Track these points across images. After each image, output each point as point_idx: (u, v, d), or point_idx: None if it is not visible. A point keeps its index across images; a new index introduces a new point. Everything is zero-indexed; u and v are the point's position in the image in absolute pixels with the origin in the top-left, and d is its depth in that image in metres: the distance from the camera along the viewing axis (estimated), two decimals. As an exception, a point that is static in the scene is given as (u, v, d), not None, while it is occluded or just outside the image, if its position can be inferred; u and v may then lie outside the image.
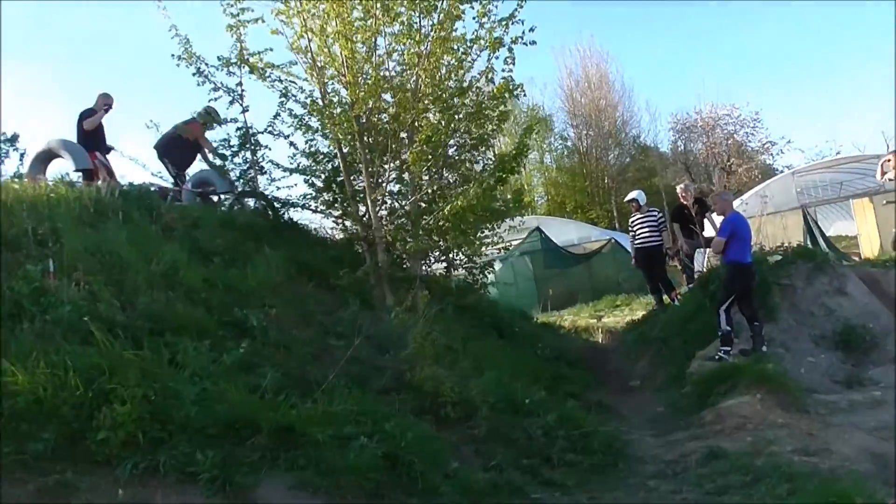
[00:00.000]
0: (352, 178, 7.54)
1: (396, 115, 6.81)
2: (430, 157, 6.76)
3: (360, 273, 6.83)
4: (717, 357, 7.40)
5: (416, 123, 6.90)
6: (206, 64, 8.48)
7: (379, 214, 7.15)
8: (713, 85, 67.69)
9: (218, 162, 9.09)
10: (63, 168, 7.91)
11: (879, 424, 5.77)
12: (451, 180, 7.99)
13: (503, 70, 7.30)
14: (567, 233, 20.77)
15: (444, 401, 4.98)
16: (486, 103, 7.34)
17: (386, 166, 7.05)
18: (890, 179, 11.16)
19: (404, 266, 7.28)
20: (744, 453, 5.01)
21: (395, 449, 3.97)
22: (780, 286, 8.49)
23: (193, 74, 8.52)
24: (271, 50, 8.16)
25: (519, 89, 7.26)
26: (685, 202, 10.71)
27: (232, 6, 8.06)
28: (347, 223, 8.04)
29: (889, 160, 10.98)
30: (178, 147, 8.88)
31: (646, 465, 5.28)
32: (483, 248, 8.81)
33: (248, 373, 4.42)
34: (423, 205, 7.14)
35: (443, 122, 6.85)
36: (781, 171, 23.37)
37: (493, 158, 8.82)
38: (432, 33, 6.49)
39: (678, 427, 6.23)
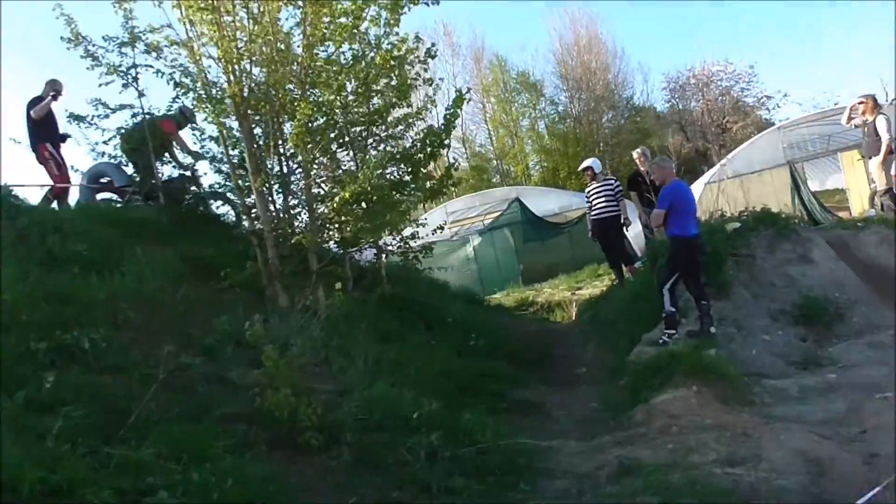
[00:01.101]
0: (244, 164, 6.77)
1: (276, 92, 5.99)
2: (316, 137, 5.98)
3: (248, 270, 6.09)
4: (660, 341, 6.65)
5: (297, 102, 6.08)
6: (94, 44, 7.69)
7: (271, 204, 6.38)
8: (706, 40, 65.31)
9: (190, 160, 8.69)
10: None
11: (827, 416, 5.09)
12: (356, 162, 7.14)
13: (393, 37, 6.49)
14: (548, 203, 19.96)
15: (303, 426, 4.26)
16: (387, 72, 6.48)
17: (271, 150, 6.24)
18: (856, 126, 10.24)
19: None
20: (660, 465, 4.33)
21: (205, 501, 3.28)
22: (737, 257, 7.68)
23: (82, 57, 7.73)
24: (169, 26, 7.36)
25: (411, 54, 6.42)
26: (642, 168, 9.88)
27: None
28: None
29: (861, 103, 9.99)
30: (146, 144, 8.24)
31: (555, 480, 4.57)
32: (394, 233, 7.92)
33: (49, 413, 3.71)
34: (320, 191, 6.38)
35: (328, 98, 6.06)
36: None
37: (422, 133, 8.01)
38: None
39: (606, 429, 5.53)
